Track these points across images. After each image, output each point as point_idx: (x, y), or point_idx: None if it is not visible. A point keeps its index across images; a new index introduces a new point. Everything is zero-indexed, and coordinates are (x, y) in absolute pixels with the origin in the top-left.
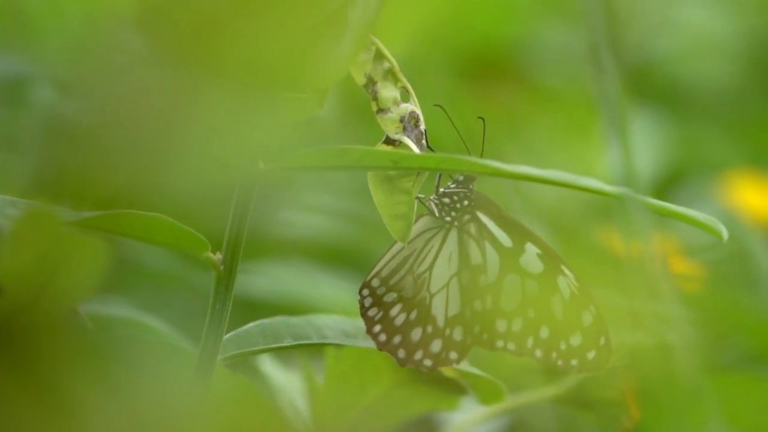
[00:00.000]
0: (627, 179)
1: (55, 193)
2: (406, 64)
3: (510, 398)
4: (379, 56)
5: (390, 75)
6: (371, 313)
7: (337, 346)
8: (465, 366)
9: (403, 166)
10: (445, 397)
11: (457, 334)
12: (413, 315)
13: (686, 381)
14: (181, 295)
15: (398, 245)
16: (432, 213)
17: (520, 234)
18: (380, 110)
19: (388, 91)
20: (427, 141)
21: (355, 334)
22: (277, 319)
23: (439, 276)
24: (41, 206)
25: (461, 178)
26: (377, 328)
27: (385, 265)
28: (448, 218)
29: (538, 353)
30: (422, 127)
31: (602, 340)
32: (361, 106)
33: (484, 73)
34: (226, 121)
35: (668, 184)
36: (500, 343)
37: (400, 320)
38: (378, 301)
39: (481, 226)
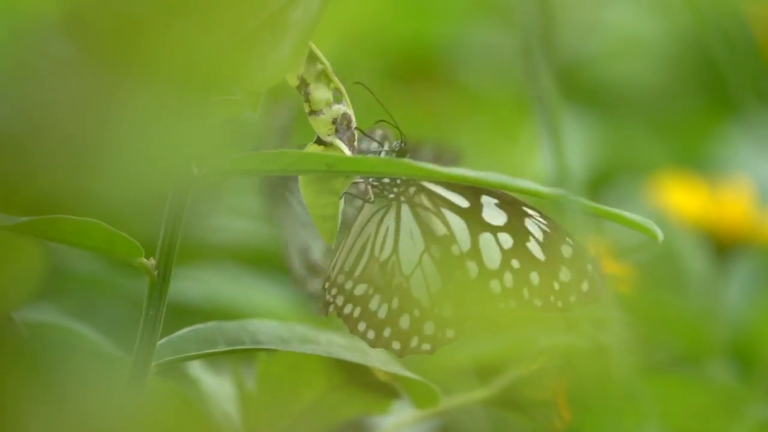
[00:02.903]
0: (560, 180)
1: None
2: (335, 66)
3: (443, 400)
4: (312, 58)
5: (323, 76)
6: (347, 310)
7: (271, 350)
8: (399, 369)
9: (338, 170)
10: (379, 401)
11: (447, 311)
12: (395, 303)
13: (618, 382)
14: (112, 301)
15: (351, 237)
16: (365, 199)
17: (470, 190)
18: (312, 112)
19: (320, 93)
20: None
21: (290, 339)
22: (211, 325)
23: (407, 256)
24: None
25: (394, 153)
26: (362, 326)
27: (345, 260)
28: (391, 195)
29: (537, 302)
30: (354, 128)
31: (589, 267)
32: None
33: (413, 75)
34: (158, 125)
35: (597, 185)
36: (502, 305)
37: (383, 312)
38: (350, 297)
39: (431, 194)
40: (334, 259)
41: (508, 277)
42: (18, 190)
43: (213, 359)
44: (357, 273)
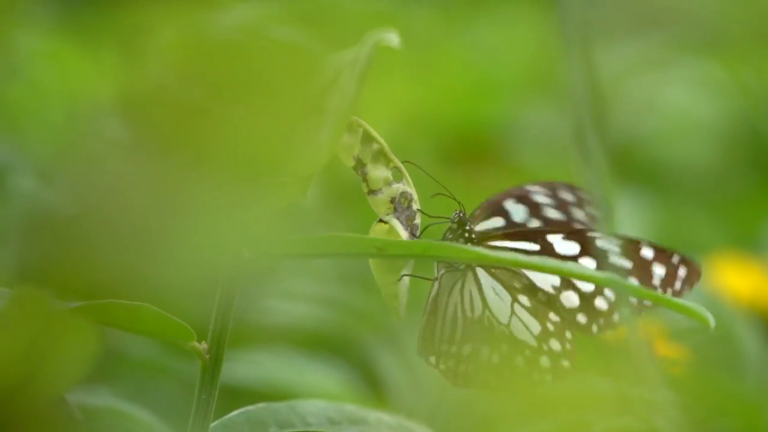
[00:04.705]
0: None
1: (39, 283)
2: (391, 149)
3: None
4: (367, 138)
5: (380, 156)
6: (462, 369)
7: None
8: None
9: (388, 254)
10: None
11: (555, 345)
12: (504, 348)
13: None
14: (167, 385)
15: (439, 311)
16: (437, 277)
17: (535, 234)
18: (371, 191)
19: (378, 172)
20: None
21: (340, 420)
22: (261, 406)
23: (499, 310)
24: (28, 293)
25: (455, 225)
26: (480, 377)
27: (441, 331)
28: (462, 266)
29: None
30: (415, 206)
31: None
32: (348, 192)
33: (467, 156)
34: (210, 209)
35: None
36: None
37: (495, 358)
38: (460, 358)
39: (500, 251)
40: (431, 337)
41: (608, 294)
42: (73, 273)
43: None
44: (458, 336)
